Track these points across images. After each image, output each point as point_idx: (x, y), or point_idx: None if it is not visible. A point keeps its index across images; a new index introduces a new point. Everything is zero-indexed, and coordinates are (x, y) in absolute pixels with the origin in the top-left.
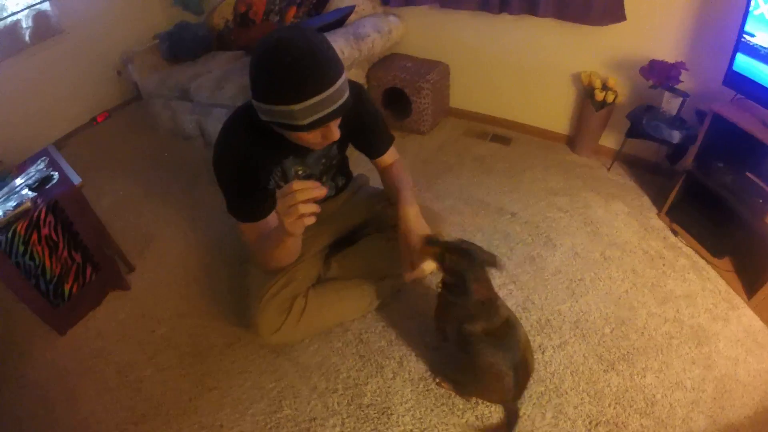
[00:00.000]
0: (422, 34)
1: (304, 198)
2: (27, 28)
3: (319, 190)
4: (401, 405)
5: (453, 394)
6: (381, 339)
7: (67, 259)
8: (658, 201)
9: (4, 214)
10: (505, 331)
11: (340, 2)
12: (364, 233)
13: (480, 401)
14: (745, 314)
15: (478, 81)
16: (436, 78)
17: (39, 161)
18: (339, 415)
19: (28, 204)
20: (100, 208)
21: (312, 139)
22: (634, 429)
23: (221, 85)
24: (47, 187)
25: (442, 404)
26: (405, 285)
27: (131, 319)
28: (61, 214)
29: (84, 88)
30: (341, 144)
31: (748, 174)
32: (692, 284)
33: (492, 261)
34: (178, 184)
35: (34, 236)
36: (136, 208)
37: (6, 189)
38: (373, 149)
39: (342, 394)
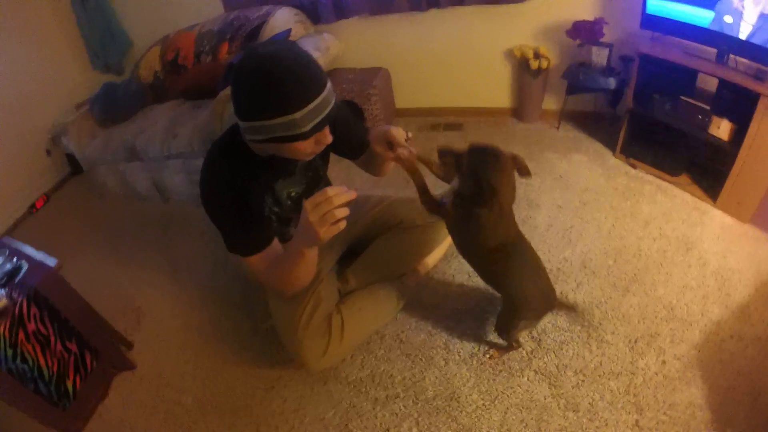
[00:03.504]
0: (358, 45)
1: (339, 203)
2: None
3: (351, 194)
4: (464, 386)
5: (506, 358)
6: (419, 333)
7: (62, 351)
8: (610, 144)
9: None
10: (519, 246)
11: (271, 31)
12: (369, 240)
13: (533, 357)
14: (715, 215)
15: (419, 78)
16: (381, 83)
17: None
18: (410, 416)
19: (5, 301)
20: None
21: (307, 147)
22: (666, 334)
23: (173, 132)
24: (18, 278)
25: (501, 371)
26: (423, 277)
27: (152, 396)
28: (45, 304)
29: (14, 177)
30: (323, 153)
31: (683, 98)
32: (663, 204)
33: (520, 165)
34: (149, 246)
35: (21, 335)
36: (113, 282)
37: None
38: (358, 142)
39: (404, 397)
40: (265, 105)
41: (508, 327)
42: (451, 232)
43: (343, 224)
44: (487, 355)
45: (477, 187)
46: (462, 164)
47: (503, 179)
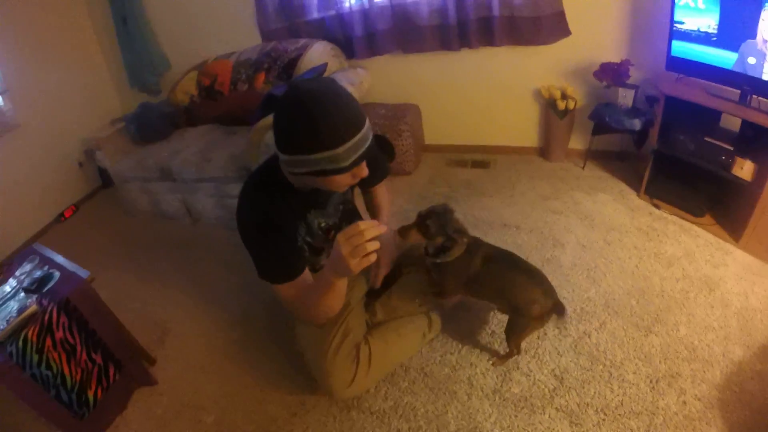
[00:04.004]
0: (389, 80)
1: (371, 236)
2: None
3: (381, 228)
4: (486, 421)
5: (528, 395)
6: (443, 367)
7: (87, 362)
8: (634, 184)
9: (8, 322)
10: (497, 253)
11: (307, 64)
12: (397, 272)
13: (554, 394)
14: (738, 255)
15: (448, 115)
16: (412, 119)
17: (26, 262)
18: None
19: (35, 307)
20: None
21: (345, 180)
22: (687, 375)
23: (208, 157)
24: (49, 287)
25: (522, 407)
26: (449, 312)
27: (171, 414)
28: (74, 313)
29: (46, 184)
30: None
31: (707, 138)
32: (686, 245)
33: (444, 209)
34: (175, 265)
35: (48, 342)
36: (138, 298)
37: None
38: (376, 178)
39: (426, 430)
40: (309, 140)
41: (519, 333)
42: (450, 286)
43: (374, 257)
44: (491, 362)
45: (446, 236)
46: (430, 227)
47: (457, 219)
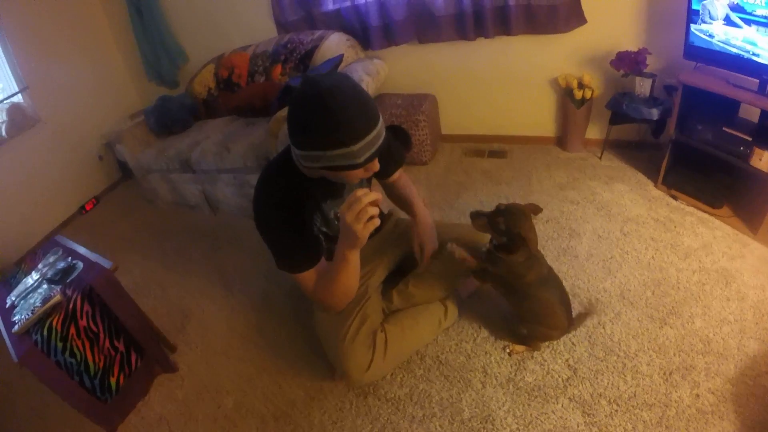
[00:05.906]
0: (406, 71)
1: (369, 200)
2: (2, 122)
3: (376, 194)
4: (500, 409)
5: (542, 384)
6: (458, 355)
7: (109, 349)
8: (651, 174)
9: (33, 312)
10: (550, 275)
11: (324, 55)
12: (415, 262)
13: (568, 384)
14: (756, 248)
15: (465, 105)
16: (429, 109)
17: (49, 254)
18: None
19: (59, 297)
20: None
21: (358, 174)
22: (701, 367)
23: (227, 147)
24: (72, 277)
25: (535, 396)
26: (465, 301)
27: (193, 397)
28: (98, 302)
29: (67, 178)
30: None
31: (725, 128)
32: (704, 236)
33: (534, 209)
34: (197, 252)
35: (72, 330)
36: (160, 285)
37: (19, 288)
38: (391, 169)
39: (441, 416)
40: (325, 137)
41: (535, 341)
42: (497, 286)
43: (377, 221)
44: (507, 350)
45: (510, 238)
46: (497, 222)
47: (529, 227)
